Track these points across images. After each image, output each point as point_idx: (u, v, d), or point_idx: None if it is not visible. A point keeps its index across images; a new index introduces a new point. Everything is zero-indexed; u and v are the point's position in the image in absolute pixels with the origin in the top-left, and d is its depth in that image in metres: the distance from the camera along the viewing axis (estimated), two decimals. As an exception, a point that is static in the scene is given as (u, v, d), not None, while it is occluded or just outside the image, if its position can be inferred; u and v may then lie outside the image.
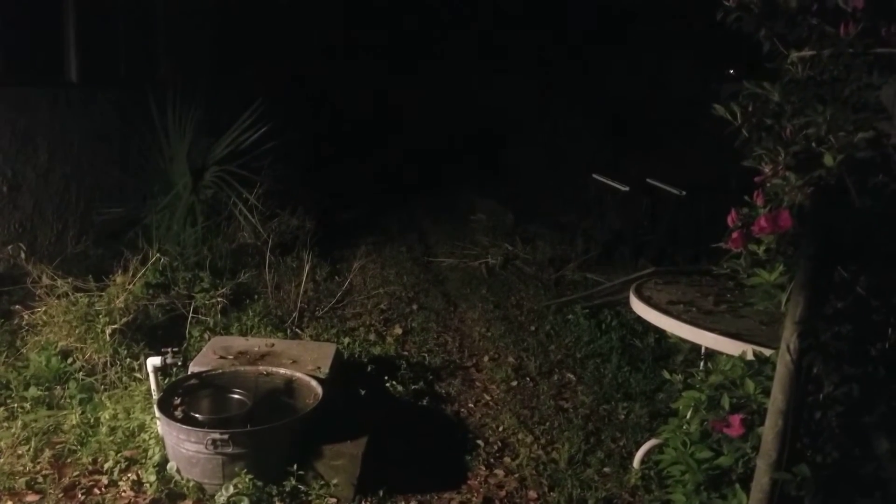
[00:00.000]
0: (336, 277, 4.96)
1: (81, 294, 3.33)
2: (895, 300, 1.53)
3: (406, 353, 3.87)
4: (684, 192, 5.06)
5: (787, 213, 1.44)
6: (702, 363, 2.45)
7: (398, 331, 4.17)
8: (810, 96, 1.35)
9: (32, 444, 2.59)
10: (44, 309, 3.31)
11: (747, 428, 1.82)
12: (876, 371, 1.62)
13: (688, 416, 2.12)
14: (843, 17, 1.32)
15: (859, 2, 1.30)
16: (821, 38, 1.32)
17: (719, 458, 1.93)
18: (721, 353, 2.19)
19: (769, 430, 1.64)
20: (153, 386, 2.78)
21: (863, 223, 1.39)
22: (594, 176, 5.91)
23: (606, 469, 2.73)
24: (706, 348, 2.41)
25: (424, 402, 3.27)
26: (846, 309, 1.54)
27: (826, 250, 1.43)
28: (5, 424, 2.75)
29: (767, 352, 1.95)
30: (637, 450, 2.72)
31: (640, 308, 2.64)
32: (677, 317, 2.44)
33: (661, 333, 3.53)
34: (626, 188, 5.56)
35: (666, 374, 2.39)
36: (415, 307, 4.62)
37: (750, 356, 1.98)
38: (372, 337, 4.01)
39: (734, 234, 1.61)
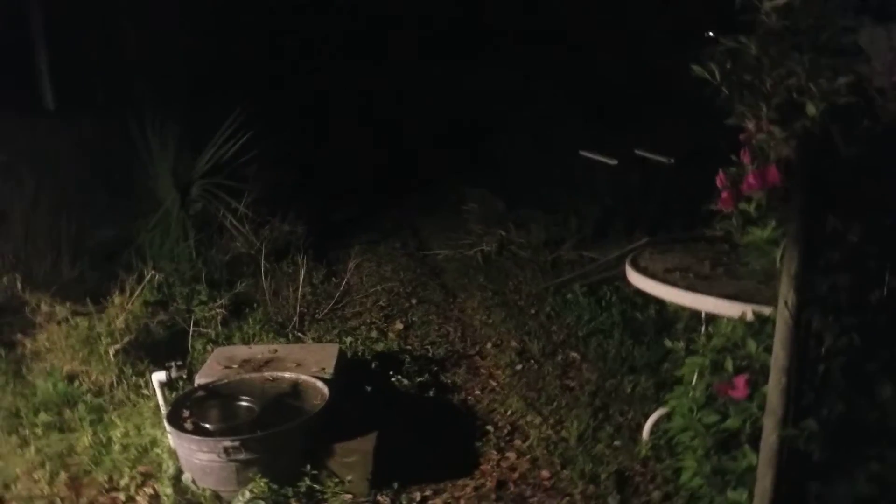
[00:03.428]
0: (333, 279, 4.95)
1: (81, 318, 3.37)
2: (889, 246, 1.52)
3: (409, 347, 3.86)
4: (673, 160, 5.04)
5: (775, 167, 1.43)
6: (703, 328, 2.44)
7: (399, 326, 4.16)
8: (787, 46, 1.33)
9: (48, 467, 2.61)
10: (45, 336, 3.33)
11: (752, 388, 1.82)
12: (875, 318, 1.62)
13: (693, 383, 2.12)
14: (813, -37, 1.31)
15: (828, -53, 1.29)
16: (793, -15, 1.31)
17: (726, 420, 1.93)
18: (721, 317, 2.19)
19: (773, 388, 1.64)
20: (161, 401, 2.79)
21: (850, 171, 1.38)
22: (582, 153, 5.89)
23: (617, 443, 2.73)
24: (706, 313, 2.41)
25: (431, 394, 3.27)
26: (841, 259, 1.54)
27: (816, 202, 1.42)
28: (19, 451, 2.76)
29: (767, 311, 1.94)
30: (645, 421, 2.72)
31: (636, 279, 2.63)
32: (675, 284, 2.43)
33: (661, 304, 3.53)
34: (615, 162, 5.54)
35: (668, 343, 2.39)
36: (414, 301, 4.61)
37: (750, 317, 1.98)
38: (374, 334, 4.00)
39: (724, 195, 1.60)
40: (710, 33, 1.47)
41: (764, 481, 1.68)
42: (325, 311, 4.34)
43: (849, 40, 1.30)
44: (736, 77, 1.42)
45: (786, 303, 1.55)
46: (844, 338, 1.63)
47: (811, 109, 1.29)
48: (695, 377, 2.11)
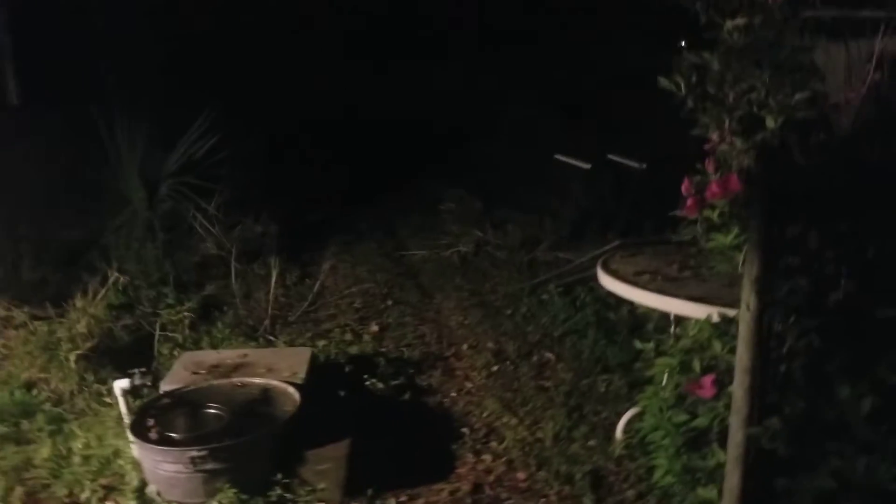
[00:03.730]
0: (307, 280, 4.90)
1: (40, 322, 3.25)
2: (844, 251, 1.59)
3: (384, 349, 3.86)
4: (644, 165, 5.14)
5: (736, 176, 1.48)
6: (672, 329, 2.51)
7: (374, 328, 4.16)
8: (748, 63, 1.39)
9: (2, 482, 2.51)
10: (2, 342, 3.22)
11: (719, 388, 1.88)
12: (833, 321, 1.69)
13: (663, 383, 2.17)
14: (772, -18, 1.36)
15: (786, -33, 1.34)
16: (752, 5, 1.36)
17: (695, 419, 1.99)
18: (689, 318, 2.25)
19: (738, 388, 1.70)
20: (123, 409, 2.70)
21: (807, 181, 1.44)
22: (557, 156, 5.96)
23: (591, 442, 2.77)
24: (675, 314, 2.47)
25: (406, 397, 3.28)
26: (799, 264, 1.60)
27: (775, 210, 1.48)
28: (-29, 465, 2.66)
29: (731, 312, 2.01)
30: (619, 420, 2.78)
31: (607, 281, 2.68)
32: (644, 286, 2.49)
33: (633, 304, 3.60)
34: (589, 166, 5.62)
35: (638, 344, 2.45)
36: (390, 303, 4.61)
37: (715, 318, 2.04)
38: (348, 337, 3.98)
39: (689, 202, 1.65)
40: (682, 43, 1.51)
41: (732, 478, 1.74)
42: (298, 313, 4.30)
43: (806, 58, 1.36)
44: (700, 90, 1.47)
45: (748, 306, 1.60)
46: (804, 339, 1.70)
47: (770, 122, 1.35)
48: (665, 377, 2.17)
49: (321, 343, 3.79)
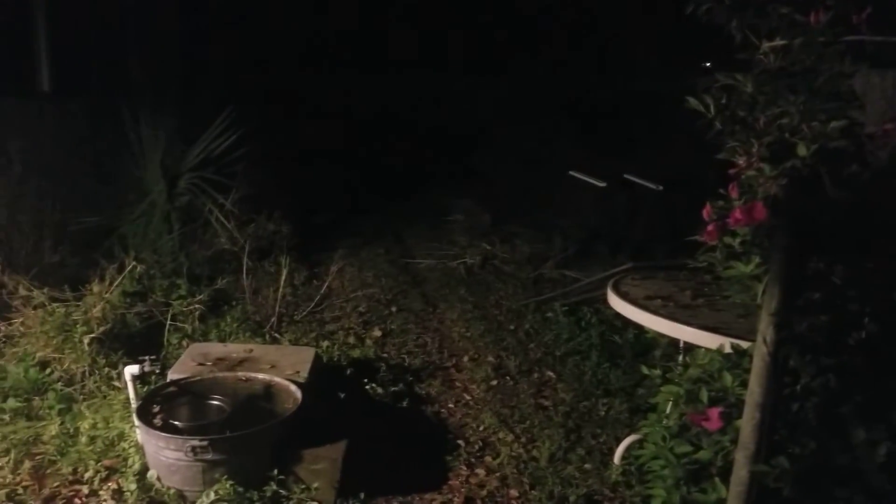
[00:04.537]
0: (314, 281, 4.91)
1: (58, 304, 3.29)
2: (870, 290, 1.54)
3: (385, 355, 3.82)
4: (661, 187, 5.09)
5: (762, 204, 1.44)
6: (680, 357, 2.45)
7: (377, 333, 4.13)
8: (783, 86, 1.34)
9: (12, 455, 2.56)
10: (20, 320, 3.26)
11: (726, 421, 1.82)
12: (853, 361, 1.63)
13: (667, 411, 2.12)
14: (813, 5, 1.33)
15: (829, -10, 1.31)
16: (791, 27, 1.32)
17: (698, 451, 1.92)
18: (699, 347, 2.20)
19: (747, 423, 1.63)
20: (132, 394, 2.73)
21: (837, 213, 1.40)
22: (571, 173, 5.93)
23: (587, 465, 2.72)
24: (684, 342, 2.42)
25: (405, 404, 3.24)
26: (822, 300, 1.54)
27: (800, 241, 1.43)
28: (-16, 437, 2.68)
29: (745, 344, 1.96)
30: (617, 445, 2.72)
31: (617, 303, 2.63)
32: (655, 311, 2.44)
33: (639, 329, 3.55)
34: (604, 184, 5.58)
35: (644, 370, 2.39)
36: (394, 309, 4.58)
37: (728, 349, 1.98)
38: (351, 340, 3.96)
39: (709, 227, 1.60)
40: (707, 64, 1.48)
41: (732, 516, 1.67)
42: (304, 313, 4.29)
43: (844, 85, 1.32)
44: (730, 113, 1.43)
45: (764, 339, 1.55)
46: (821, 378, 1.64)
47: (802, 150, 1.31)
48: (669, 406, 2.11)
49: (325, 344, 3.78)
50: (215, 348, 3.13)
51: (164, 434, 2.35)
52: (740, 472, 1.66)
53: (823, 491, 1.64)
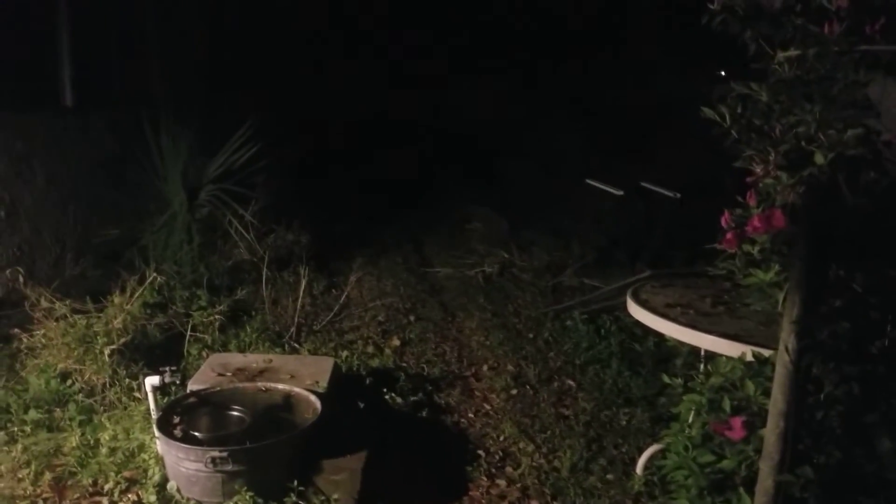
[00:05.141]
0: (333, 291, 4.94)
1: (80, 316, 3.34)
2: (891, 297, 1.52)
3: (404, 364, 3.84)
4: (679, 195, 5.07)
5: (780, 212, 1.43)
6: (701, 366, 2.43)
7: (396, 342, 4.15)
8: (798, 95, 1.35)
9: (33, 467, 2.59)
10: (42, 332, 3.31)
11: (749, 430, 1.80)
12: (876, 369, 1.61)
13: (689, 420, 2.10)
14: (827, 16, 1.33)
15: (843, 0, 1.31)
16: (806, 37, 1.33)
17: (722, 461, 1.91)
18: (720, 355, 2.18)
19: (771, 432, 1.62)
20: (152, 405, 2.76)
21: (855, 221, 1.39)
22: (588, 181, 5.92)
23: (609, 476, 2.70)
24: (705, 350, 2.40)
25: (424, 414, 3.25)
26: (843, 307, 1.53)
27: (819, 249, 1.42)
28: (6, 448, 2.74)
29: (766, 352, 1.94)
30: (640, 455, 2.70)
31: (637, 312, 2.63)
32: (675, 319, 2.43)
33: (660, 337, 3.52)
34: (621, 192, 5.56)
35: (665, 378, 2.38)
36: (412, 318, 4.60)
37: (749, 357, 1.97)
38: (370, 349, 3.98)
39: (728, 235, 1.60)
40: (722, 72, 1.49)
41: (757, 526, 1.66)
42: (323, 323, 4.32)
43: (859, 93, 1.32)
44: (746, 121, 1.44)
45: (786, 347, 1.54)
46: (844, 386, 1.62)
47: (819, 158, 1.31)
48: (691, 415, 2.10)
49: (344, 353, 3.80)
50: (235, 359, 3.16)
51: (183, 445, 2.36)
52: (765, 482, 1.64)
53: (849, 501, 1.62)
